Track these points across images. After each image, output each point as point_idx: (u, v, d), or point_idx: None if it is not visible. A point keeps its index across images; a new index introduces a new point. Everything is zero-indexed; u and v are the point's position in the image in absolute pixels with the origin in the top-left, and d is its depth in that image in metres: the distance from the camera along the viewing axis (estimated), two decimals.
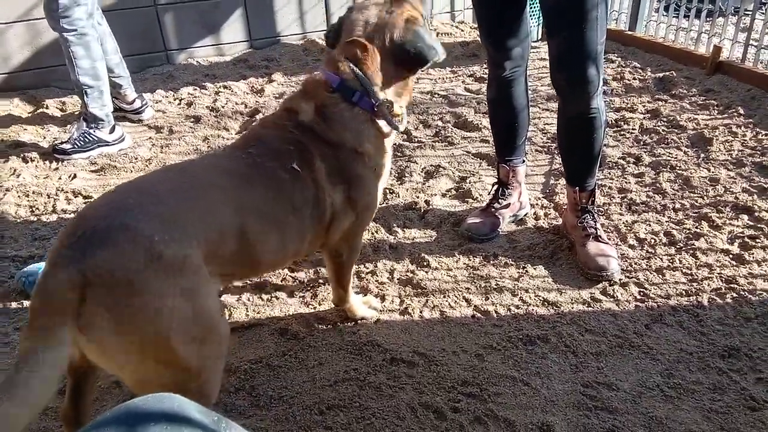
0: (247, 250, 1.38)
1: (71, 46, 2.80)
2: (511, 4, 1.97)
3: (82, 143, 2.96)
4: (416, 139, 3.05)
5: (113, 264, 1.09)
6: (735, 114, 3.02)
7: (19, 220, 2.47)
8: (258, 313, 1.93)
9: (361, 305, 1.89)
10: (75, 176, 2.81)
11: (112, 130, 3.03)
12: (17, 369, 1.02)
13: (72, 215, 2.48)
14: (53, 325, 1.06)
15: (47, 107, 3.51)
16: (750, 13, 3.56)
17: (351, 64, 1.55)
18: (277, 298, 1.99)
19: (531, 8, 3.75)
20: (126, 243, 1.11)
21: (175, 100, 3.65)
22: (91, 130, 2.97)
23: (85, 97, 2.91)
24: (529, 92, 2.27)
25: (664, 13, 4.09)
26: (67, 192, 2.65)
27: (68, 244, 1.12)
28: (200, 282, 1.20)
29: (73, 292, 1.06)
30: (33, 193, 2.65)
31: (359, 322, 1.87)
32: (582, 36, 1.79)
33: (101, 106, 2.96)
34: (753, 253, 2.07)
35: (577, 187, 2.14)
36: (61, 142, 2.98)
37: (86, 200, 2.60)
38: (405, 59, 1.56)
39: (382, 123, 1.60)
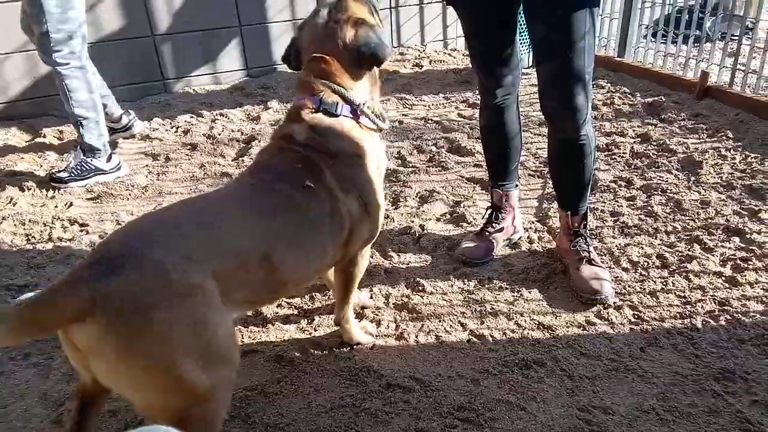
0: (273, 273, 1.41)
1: (65, 79, 2.84)
2: (501, 34, 2.02)
3: (79, 172, 2.98)
4: (410, 165, 3.09)
5: (124, 290, 1.13)
6: (724, 137, 3.07)
7: (14, 249, 2.47)
8: (253, 339, 1.93)
9: (358, 330, 1.90)
10: (71, 204, 2.83)
11: (109, 159, 3.06)
12: None
13: (68, 243, 2.49)
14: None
15: (44, 136, 3.53)
16: (736, 38, 3.65)
17: (323, 81, 1.60)
18: (273, 324, 1.99)
19: (521, 36, 3.83)
20: (137, 271, 1.15)
21: (172, 127, 3.69)
22: (88, 159, 2.99)
23: (80, 128, 2.95)
24: (521, 118, 2.31)
25: (652, 39, 4.18)
26: (63, 220, 2.66)
27: (85, 266, 1.17)
28: (211, 310, 1.23)
29: (73, 309, 1.10)
30: (29, 221, 2.65)
31: (355, 347, 1.87)
32: (570, 65, 1.83)
33: (98, 136, 2.99)
34: (745, 276, 2.08)
35: (569, 212, 2.17)
36: (58, 171, 2.99)
37: (82, 228, 2.61)
38: (362, 60, 1.61)
39: (367, 122, 1.65)
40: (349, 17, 1.61)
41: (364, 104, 1.64)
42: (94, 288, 1.11)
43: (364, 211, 1.61)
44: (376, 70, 1.71)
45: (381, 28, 1.68)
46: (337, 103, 1.60)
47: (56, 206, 2.81)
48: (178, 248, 1.23)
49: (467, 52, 4.68)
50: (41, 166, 3.21)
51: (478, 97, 2.33)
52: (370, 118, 1.66)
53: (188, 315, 1.17)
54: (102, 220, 2.67)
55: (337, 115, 1.60)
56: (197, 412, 1.20)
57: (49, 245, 2.49)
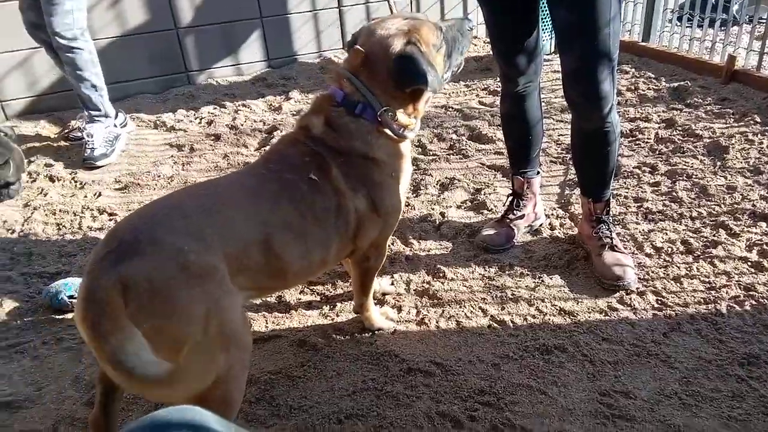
0: (274, 261, 1.44)
1: (83, 54, 3.08)
2: (523, 21, 1.99)
3: (110, 143, 3.23)
4: (431, 152, 3.09)
5: (145, 272, 1.17)
6: (751, 122, 3.01)
7: (46, 238, 2.55)
8: (277, 325, 1.97)
9: (378, 316, 1.92)
10: (100, 194, 2.90)
11: (116, 116, 3.37)
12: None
13: (97, 232, 2.56)
14: (120, 325, 1.12)
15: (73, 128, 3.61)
16: (764, 21, 3.56)
17: (353, 77, 1.59)
18: (296, 310, 2.03)
19: (543, 23, 3.79)
20: (156, 253, 1.20)
21: (196, 119, 3.74)
22: (108, 127, 3.27)
23: (101, 98, 3.23)
24: (543, 104, 2.29)
25: (678, 24, 4.09)
26: (92, 210, 2.73)
27: (103, 255, 1.20)
28: (224, 292, 1.26)
29: (118, 294, 1.14)
30: (60, 211, 2.73)
31: (376, 332, 1.90)
32: (595, 52, 1.80)
33: (110, 103, 3.33)
34: None
35: (591, 198, 2.15)
36: (91, 152, 3.15)
37: (111, 217, 2.68)
38: (396, 77, 1.56)
39: (386, 130, 1.62)
40: (410, 32, 1.57)
41: (387, 111, 1.59)
42: (118, 272, 1.15)
43: (373, 212, 1.62)
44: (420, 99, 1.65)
45: (434, 62, 1.60)
46: (359, 103, 1.59)
47: (85, 196, 2.89)
48: (188, 231, 1.27)
49: (488, 40, 4.65)
50: (70, 157, 3.29)
51: (499, 84, 2.32)
52: (390, 127, 1.61)
53: (206, 296, 1.21)
54: (130, 210, 2.73)
55: (356, 115, 1.60)
56: (215, 393, 1.22)
57: (79, 234, 2.56)
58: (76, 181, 3.02)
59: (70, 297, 2.05)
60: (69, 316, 2.05)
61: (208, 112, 3.80)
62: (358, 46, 1.60)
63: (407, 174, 1.75)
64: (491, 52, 4.31)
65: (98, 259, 1.21)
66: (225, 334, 1.24)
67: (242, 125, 3.57)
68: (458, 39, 1.73)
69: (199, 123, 3.69)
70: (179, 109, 3.86)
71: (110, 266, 1.17)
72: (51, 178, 3.03)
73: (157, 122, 3.68)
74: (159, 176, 3.04)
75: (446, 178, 2.82)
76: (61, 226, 2.63)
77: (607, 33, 1.78)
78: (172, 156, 3.28)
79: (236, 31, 4.29)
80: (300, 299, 2.09)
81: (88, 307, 1.15)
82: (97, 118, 3.24)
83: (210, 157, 3.21)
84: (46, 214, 2.71)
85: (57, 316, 2.05)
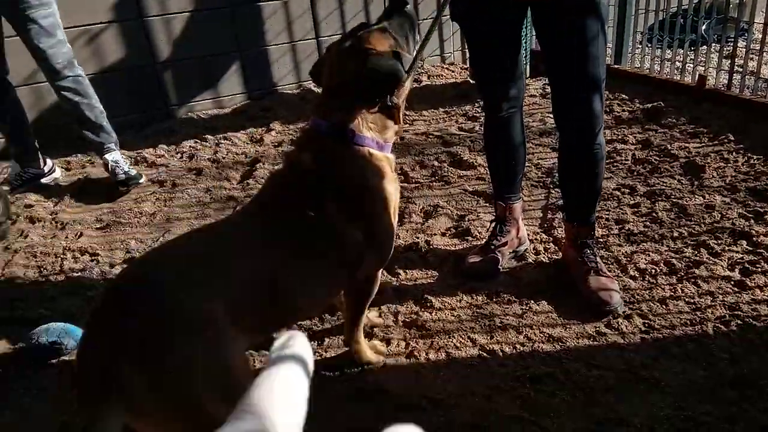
0: (280, 300, 1.44)
1: (85, 84, 3.08)
2: (507, 46, 2.02)
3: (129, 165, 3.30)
4: (414, 180, 3.10)
5: (143, 327, 1.16)
6: (725, 140, 3.08)
7: (28, 281, 2.50)
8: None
9: (368, 350, 1.91)
10: (81, 234, 2.86)
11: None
12: None
13: (79, 273, 2.52)
14: (104, 402, 1.11)
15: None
16: (732, 40, 3.67)
17: (333, 107, 1.60)
18: None
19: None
20: (154, 305, 1.19)
21: (177, 153, 3.73)
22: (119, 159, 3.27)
23: (106, 123, 3.22)
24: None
25: (648, 45, 4.19)
26: (74, 251, 2.69)
27: (101, 311, 1.22)
28: (227, 339, 1.25)
29: (112, 363, 1.12)
30: (41, 253, 2.68)
31: (366, 367, 1.88)
32: (586, 73, 1.83)
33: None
34: (754, 279, 2.08)
35: (577, 222, 2.17)
36: (129, 174, 3.22)
37: (93, 258, 2.64)
38: (372, 88, 1.57)
39: (376, 151, 1.62)
40: (364, 49, 1.58)
41: (369, 133, 1.60)
42: (115, 332, 1.15)
43: (370, 240, 1.61)
44: (396, 103, 1.64)
45: (401, 52, 1.60)
46: (344, 131, 1.60)
47: (66, 237, 2.85)
48: (188, 279, 1.26)
49: (465, 66, 4.72)
50: (50, 198, 3.25)
51: (478, 110, 2.35)
52: (379, 147, 1.62)
53: (207, 346, 1.19)
54: (112, 249, 2.70)
55: (343, 143, 1.60)
56: None
57: (61, 277, 2.52)
58: (56, 222, 2.98)
59: (52, 343, 2.00)
60: (52, 362, 2.00)
61: (189, 147, 3.79)
62: (329, 80, 1.61)
63: (396, 195, 1.73)
64: (468, 78, 4.39)
65: (95, 315, 1.22)
66: (230, 383, 1.22)
67: (224, 158, 3.56)
68: (405, 25, 1.68)
69: (181, 158, 3.67)
70: (160, 144, 3.84)
71: (104, 327, 1.17)
72: (31, 219, 2.98)
73: (138, 158, 3.66)
74: (141, 213, 3.01)
75: (430, 205, 2.83)
76: (42, 269, 2.58)
77: (596, 52, 1.81)
78: (153, 192, 3.25)
79: (215, 65, 4.30)
80: None
81: (81, 364, 1.16)
82: (114, 147, 3.25)
83: (192, 191, 3.20)
84: (27, 257, 2.67)
85: (39, 364, 2.00)
